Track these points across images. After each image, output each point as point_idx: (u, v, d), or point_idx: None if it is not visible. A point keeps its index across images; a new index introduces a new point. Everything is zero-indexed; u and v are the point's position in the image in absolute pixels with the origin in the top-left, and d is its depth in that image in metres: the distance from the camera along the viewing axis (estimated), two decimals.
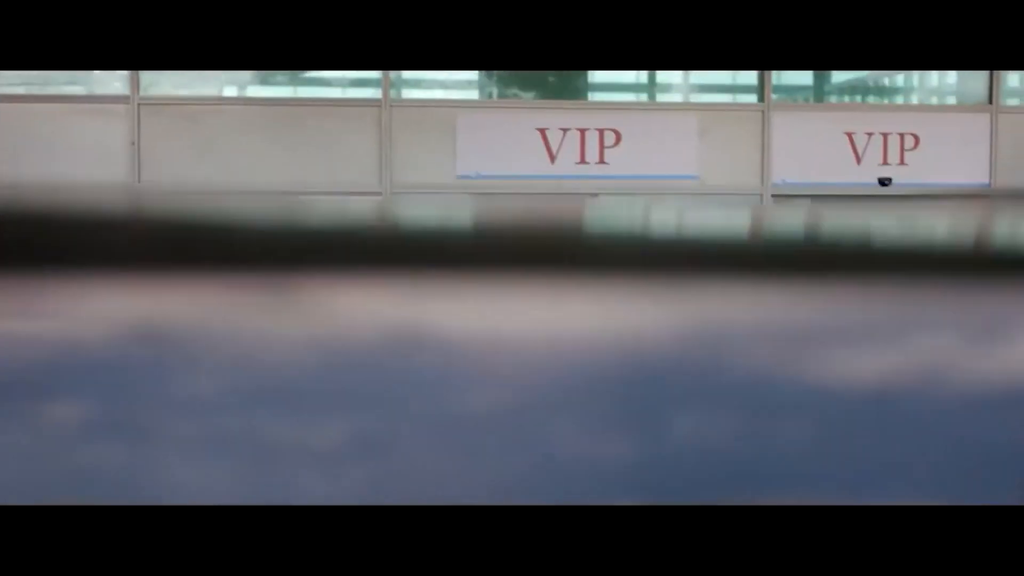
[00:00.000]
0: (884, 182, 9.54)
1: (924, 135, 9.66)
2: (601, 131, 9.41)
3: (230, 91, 9.37)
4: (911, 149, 9.63)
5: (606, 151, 9.37)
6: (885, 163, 9.59)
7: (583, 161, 9.34)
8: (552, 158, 9.31)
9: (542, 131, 9.35)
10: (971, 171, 9.69)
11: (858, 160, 9.58)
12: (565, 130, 9.37)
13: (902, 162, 9.61)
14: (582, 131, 9.39)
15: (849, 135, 9.62)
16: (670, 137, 9.46)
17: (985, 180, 9.68)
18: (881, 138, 9.64)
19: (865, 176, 9.58)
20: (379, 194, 9.21)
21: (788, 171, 9.51)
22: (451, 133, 9.27)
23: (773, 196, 9.48)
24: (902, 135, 9.66)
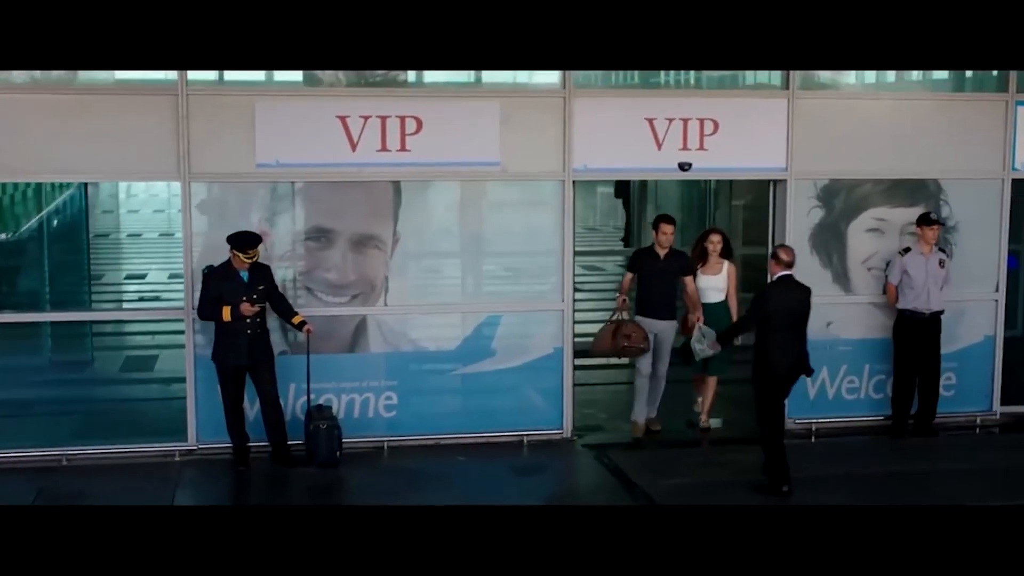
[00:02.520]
0: (684, 167, 9.73)
1: (723, 120, 9.72)
2: (403, 118, 9.33)
3: (23, 76, 8.99)
4: (710, 134, 9.72)
5: (408, 138, 9.36)
6: (685, 148, 9.71)
7: (384, 148, 9.35)
8: (353, 146, 9.30)
9: (343, 118, 9.26)
10: (768, 156, 9.88)
11: (659, 145, 9.68)
12: (366, 117, 9.28)
13: (702, 147, 9.73)
14: (383, 118, 9.31)
15: (650, 121, 9.64)
16: (472, 123, 9.43)
17: (782, 165, 9.90)
18: (681, 123, 9.68)
19: (665, 161, 9.73)
20: (176, 180, 9.23)
21: (589, 157, 9.63)
22: (249, 120, 9.15)
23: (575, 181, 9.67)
24: (702, 120, 9.70)
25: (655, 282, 9.61)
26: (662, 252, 9.66)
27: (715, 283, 9.83)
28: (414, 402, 9.61)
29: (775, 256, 8.62)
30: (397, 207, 9.52)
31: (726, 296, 9.88)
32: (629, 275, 9.85)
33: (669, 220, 9.76)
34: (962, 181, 10.26)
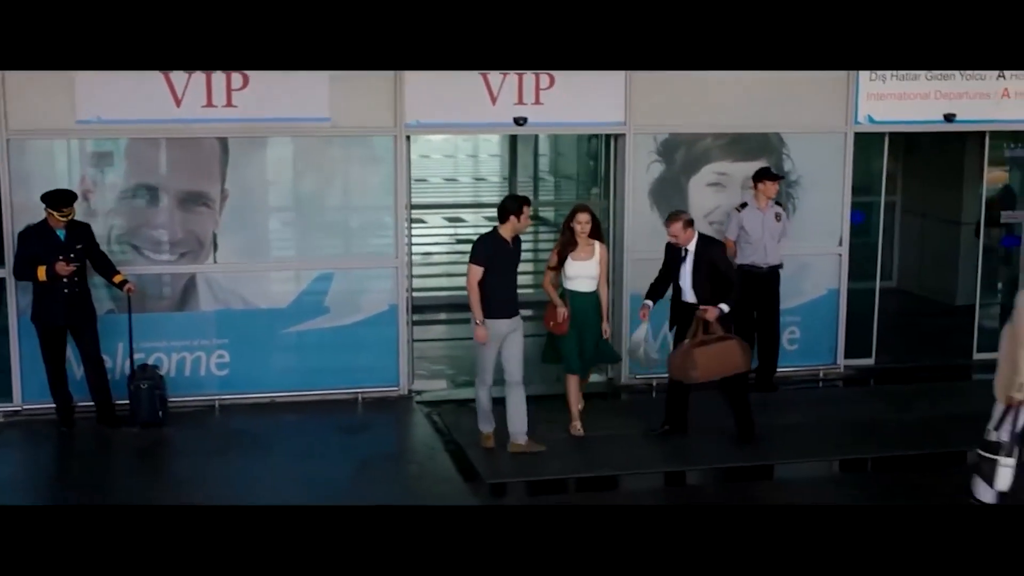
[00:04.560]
0: (520, 121, 9.63)
1: (559, 74, 9.60)
2: (228, 73, 9.17)
3: None
4: (546, 88, 9.61)
5: (234, 94, 9.21)
6: (520, 103, 9.60)
7: (210, 104, 9.19)
8: (177, 101, 9.14)
9: (166, 74, 9.09)
10: (606, 110, 9.78)
11: (493, 100, 9.56)
12: (190, 73, 9.12)
13: (537, 101, 9.62)
14: (208, 73, 9.15)
15: (484, 76, 9.52)
16: (301, 79, 9.27)
17: (620, 119, 9.81)
18: (516, 78, 9.56)
19: (501, 116, 9.62)
20: None
21: (422, 111, 9.50)
22: (69, 76, 8.96)
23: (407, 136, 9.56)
24: (537, 75, 9.58)
25: (506, 275, 8.15)
26: (510, 238, 8.21)
27: (586, 270, 8.51)
28: (246, 360, 9.54)
29: (691, 223, 8.46)
30: (225, 164, 9.39)
31: (597, 284, 8.60)
32: (479, 269, 8.06)
33: (528, 202, 8.24)
34: (804, 135, 10.22)
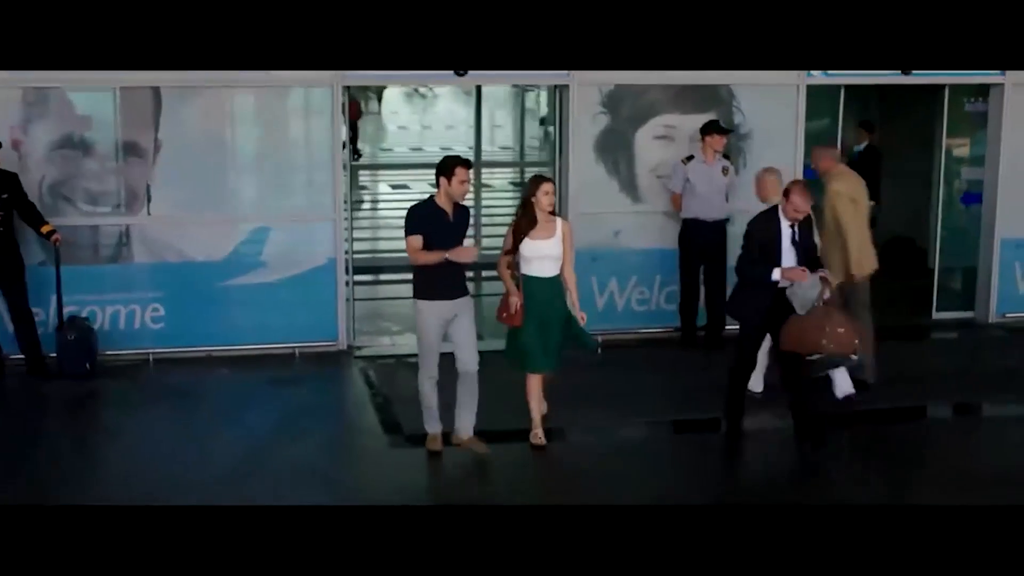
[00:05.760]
0: (460, 72, 9.45)
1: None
2: None
3: None
4: None
5: None
6: None
7: None
8: None
9: None
10: None
11: None
12: None
13: None
14: None
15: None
16: None
17: (565, 70, 9.60)
18: None
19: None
20: None
21: None
22: None
23: (344, 87, 9.40)
24: None
25: (446, 248, 7.00)
26: (450, 208, 7.10)
27: (547, 250, 7.26)
28: (182, 314, 9.42)
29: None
30: (158, 114, 9.25)
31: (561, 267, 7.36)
32: (416, 239, 7.01)
33: (467, 164, 7.09)
34: (755, 87, 9.98)
